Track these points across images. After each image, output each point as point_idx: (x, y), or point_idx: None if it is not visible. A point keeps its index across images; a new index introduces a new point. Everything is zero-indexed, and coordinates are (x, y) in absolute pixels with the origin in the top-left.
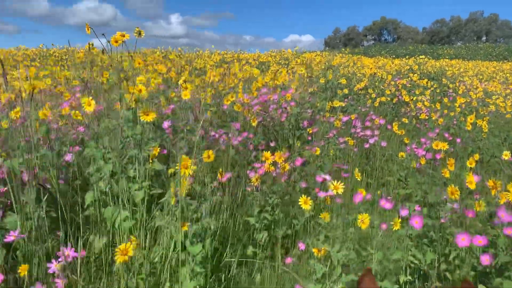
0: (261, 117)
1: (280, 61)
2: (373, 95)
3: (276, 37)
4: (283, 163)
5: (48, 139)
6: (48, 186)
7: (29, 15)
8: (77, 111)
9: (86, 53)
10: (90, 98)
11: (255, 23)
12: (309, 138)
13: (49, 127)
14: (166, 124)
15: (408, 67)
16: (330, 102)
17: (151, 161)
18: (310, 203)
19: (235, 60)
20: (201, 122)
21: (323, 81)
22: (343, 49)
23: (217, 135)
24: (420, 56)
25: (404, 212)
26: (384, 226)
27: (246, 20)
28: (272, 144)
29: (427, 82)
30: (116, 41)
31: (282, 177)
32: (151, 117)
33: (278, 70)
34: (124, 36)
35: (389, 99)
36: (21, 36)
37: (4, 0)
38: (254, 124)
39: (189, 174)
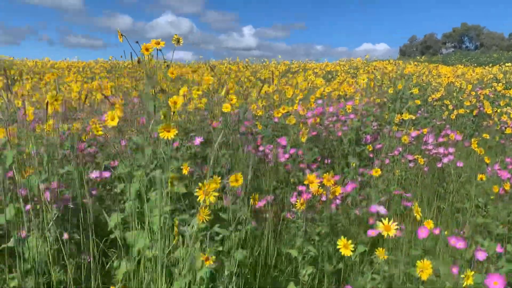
0: (316, 131)
1: (349, 70)
2: (450, 107)
3: (348, 46)
4: (333, 187)
5: (74, 153)
6: (72, 205)
7: (114, 30)
8: (97, 126)
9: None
10: (115, 111)
11: (327, 32)
12: (371, 155)
13: (73, 143)
14: (198, 140)
15: (492, 76)
16: (399, 115)
17: (170, 183)
18: (351, 247)
19: (301, 70)
20: (245, 136)
21: (392, 91)
22: (418, 57)
23: (267, 150)
24: (506, 64)
25: (480, 256)
26: (455, 271)
27: (318, 30)
28: (327, 162)
29: None
30: (147, 49)
31: (333, 202)
32: (172, 134)
33: (345, 79)
34: (159, 43)
35: (468, 111)
36: (106, 50)
37: (93, 17)
38: (303, 139)
39: (211, 201)
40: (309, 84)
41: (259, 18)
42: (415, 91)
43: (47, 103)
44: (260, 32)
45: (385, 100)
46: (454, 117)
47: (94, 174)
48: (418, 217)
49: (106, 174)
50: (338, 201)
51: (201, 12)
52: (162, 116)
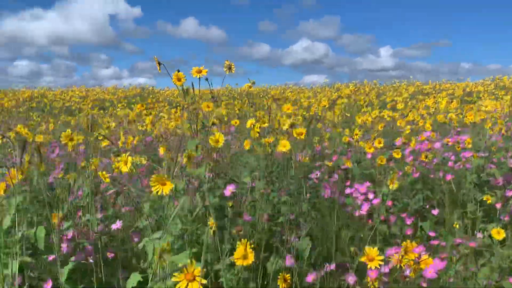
0: (420, 171)
1: (495, 92)
2: None
3: (502, 63)
4: (416, 265)
5: (91, 199)
6: (91, 260)
7: (253, 58)
8: (104, 172)
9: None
10: (127, 154)
11: (475, 48)
12: (498, 205)
13: (92, 188)
14: (229, 188)
15: None
16: None
17: (158, 257)
18: None
19: (433, 92)
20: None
21: None
22: None
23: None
24: None
25: None
26: None
27: (465, 46)
28: (434, 213)
29: None
30: (179, 79)
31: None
32: (167, 189)
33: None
34: (200, 72)
35: None
36: (244, 77)
37: (235, 47)
38: (392, 186)
39: None
40: (433, 109)
41: (397, 38)
42: None
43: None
44: (398, 52)
45: None
46: None
47: (114, 226)
48: None
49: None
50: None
51: (336, 36)
52: (185, 159)
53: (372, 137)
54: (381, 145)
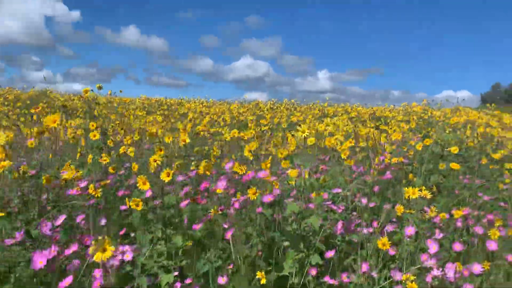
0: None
1: (402, 118)
2: None
3: (428, 92)
4: None
5: None
6: None
7: (196, 71)
8: None
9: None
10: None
11: (405, 78)
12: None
13: None
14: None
15: None
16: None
17: None
18: None
19: (341, 114)
20: None
21: (420, 147)
22: (489, 105)
23: None
24: None
25: None
26: None
27: (395, 75)
28: None
29: None
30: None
31: None
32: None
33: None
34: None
35: None
36: (187, 90)
37: (176, 59)
38: None
39: None
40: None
41: (334, 63)
42: (454, 149)
43: None
44: (335, 76)
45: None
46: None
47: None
48: None
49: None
50: None
51: (278, 56)
52: None
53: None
54: None
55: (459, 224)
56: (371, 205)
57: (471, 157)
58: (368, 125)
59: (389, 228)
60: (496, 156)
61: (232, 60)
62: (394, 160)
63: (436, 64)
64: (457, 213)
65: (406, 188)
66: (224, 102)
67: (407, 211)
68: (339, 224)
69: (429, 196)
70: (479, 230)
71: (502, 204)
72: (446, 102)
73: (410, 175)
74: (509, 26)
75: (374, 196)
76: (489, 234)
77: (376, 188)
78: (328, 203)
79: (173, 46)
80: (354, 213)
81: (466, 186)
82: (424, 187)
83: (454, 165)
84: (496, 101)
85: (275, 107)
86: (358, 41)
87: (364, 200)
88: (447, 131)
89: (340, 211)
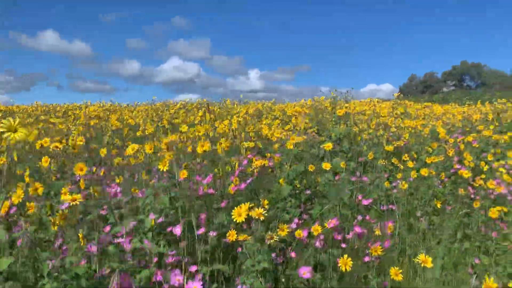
0: None
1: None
2: (410, 164)
3: (354, 86)
4: None
5: None
6: None
7: (123, 75)
8: None
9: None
10: None
11: (332, 74)
12: None
13: None
14: None
15: (483, 115)
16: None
17: None
18: None
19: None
20: None
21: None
22: (395, 94)
23: None
24: (500, 100)
25: None
26: None
27: (323, 71)
28: None
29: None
30: None
31: None
32: None
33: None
34: None
35: (433, 172)
36: (114, 95)
37: (101, 64)
38: None
39: None
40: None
41: (264, 61)
42: (327, 146)
43: None
44: (265, 75)
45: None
46: (405, 187)
47: None
48: None
49: None
50: None
51: (208, 56)
52: None
53: None
54: None
55: (317, 244)
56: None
57: (360, 152)
58: (264, 123)
59: None
60: (389, 148)
61: (160, 62)
62: (258, 163)
63: (360, 59)
64: (316, 230)
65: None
66: (149, 105)
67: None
68: None
69: (262, 216)
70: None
71: (385, 207)
72: (357, 94)
73: (281, 180)
74: (424, 21)
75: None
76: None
77: (223, 204)
78: None
79: (97, 50)
80: None
81: (340, 188)
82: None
83: (326, 165)
84: (413, 92)
85: (188, 107)
86: (287, 39)
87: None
88: (341, 125)
89: None
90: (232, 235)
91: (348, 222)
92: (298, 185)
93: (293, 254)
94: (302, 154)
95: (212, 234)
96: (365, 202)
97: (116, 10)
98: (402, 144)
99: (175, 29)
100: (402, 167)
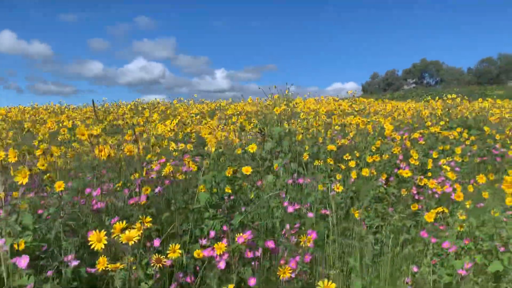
0: None
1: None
2: (352, 163)
3: (319, 85)
4: None
5: None
6: None
7: (85, 76)
8: None
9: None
10: None
11: (298, 73)
12: None
13: None
14: None
15: (432, 112)
16: None
17: None
18: None
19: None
20: None
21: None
22: (349, 91)
23: None
24: (450, 96)
25: None
26: None
27: (289, 71)
28: None
29: (461, 133)
30: None
31: None
32: None
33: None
34: None
35: (374, 172)
36: (77, 96)
37: (63, 65)
38: None
39: None
40: None
41: (230, 61)
42: (251, 148)
43: None
44: (232, 74)
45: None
46: (340, 189)
47: None
48: None
49: None
50: None
51: (173, 56)
52: None
53: None
54: None
55: (220, 266)
56: None
57: (301, 152)
58: (204, 123)
59: None
60: (331, 147)
61: (124, 63)
62: (167, 169)
63: (324, 58)
64: (219, 248)
65: None
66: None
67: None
68: None
69: (132, 241)
70: None
71: (311, 214)
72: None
73: (201, 187)
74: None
75: None
76: None
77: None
78: None
79: (57, 51)
80: None
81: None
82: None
83: (246, 169)
84: (375, 90)
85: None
86: (251, 38)
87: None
88: (285, 124)
89: None
90: (102, 263)
91: (277, 234)
92: (215, 191)
93: (188, 279)
94: (237, 156)
95: (73, 263)
96: (290, 209)
97: (77, 10)
98: (346, 143)
99: (139, 29)
100: (343, 167)
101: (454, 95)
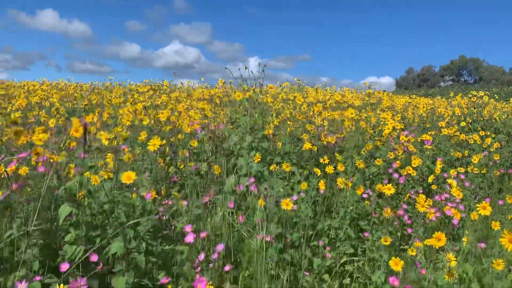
0: None
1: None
2: (329, 169)
3: (353, 79)
4: None
5: None
6: None
7: (122, 57)
8: None
9: None
10: None
11: (333, 65)
12: None
13: None
14: None
15: (450, 111)
16: None
17: None
18: None
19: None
20: None
21: None
22: (366, 83)
23: None
24: (473, 92)
25: None
26: None
27: (324, 62)
28: None
29: (483, 138)
30: None
31: None
32: None
33: None
34: None
35: (349, 184)
36: (114, 76)
37: (101, 44)
38: None
39: None
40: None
41: (264, 49)
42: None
43: None
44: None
45: None
46: (289, 207)
47: None
48: None
49: None
50: None
51: (208, 41)
52: None
53: None
54: None
55: None
56: None
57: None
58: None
59: None
60: (307, 146)
61: (160, 46)
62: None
63: (361, 51)
64: None
65: None
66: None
67: None
68: None
69: None
70: None
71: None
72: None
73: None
74: (419, 13)
75: None
76: None
77: None
78: None
79: (96, 31)
80: None
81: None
82: None
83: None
84: (410, 85)
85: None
86: (287, 28)
87: None
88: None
89: None
90: None
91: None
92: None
93: None
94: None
95: None
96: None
97: None
98: (333, 142)
99: (176, 12)
100: (320, 172)
101: (481, 93)
